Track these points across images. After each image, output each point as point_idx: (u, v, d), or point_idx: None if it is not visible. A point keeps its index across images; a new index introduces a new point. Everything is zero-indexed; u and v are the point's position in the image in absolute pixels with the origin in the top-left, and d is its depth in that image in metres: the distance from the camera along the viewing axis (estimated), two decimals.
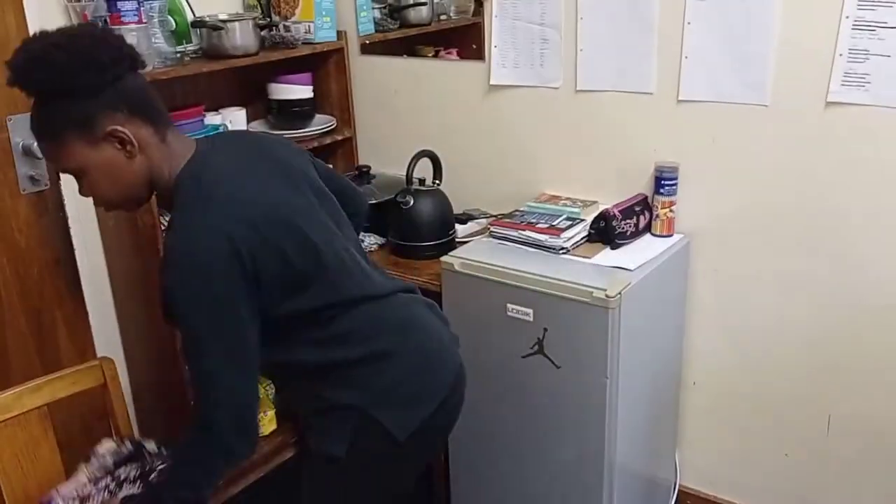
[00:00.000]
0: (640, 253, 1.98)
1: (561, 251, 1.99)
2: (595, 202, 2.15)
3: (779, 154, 1.93)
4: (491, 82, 2.30)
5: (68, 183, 2.08)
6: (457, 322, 2.00)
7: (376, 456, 1.48)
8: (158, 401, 2.27)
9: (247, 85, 2.48)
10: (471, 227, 2.33)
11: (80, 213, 2.14)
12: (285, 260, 1.34)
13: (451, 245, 2.22)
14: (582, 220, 2.08)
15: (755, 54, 1.89)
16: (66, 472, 1.57)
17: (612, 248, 2.00)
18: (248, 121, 2.42)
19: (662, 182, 2.04)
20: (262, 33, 2.32)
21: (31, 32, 1.91)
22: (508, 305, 1.92)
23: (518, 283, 1.90)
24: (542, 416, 1.98)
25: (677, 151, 2.06)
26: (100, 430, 2.20)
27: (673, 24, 1.97)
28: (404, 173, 2.26)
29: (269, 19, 2.41)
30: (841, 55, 1.78)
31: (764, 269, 2.04)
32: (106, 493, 1.45)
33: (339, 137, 2.56)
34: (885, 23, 1.72)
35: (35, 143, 1.93)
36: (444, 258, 2.03)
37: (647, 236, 2.08)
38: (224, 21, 2.18)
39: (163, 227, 2.11)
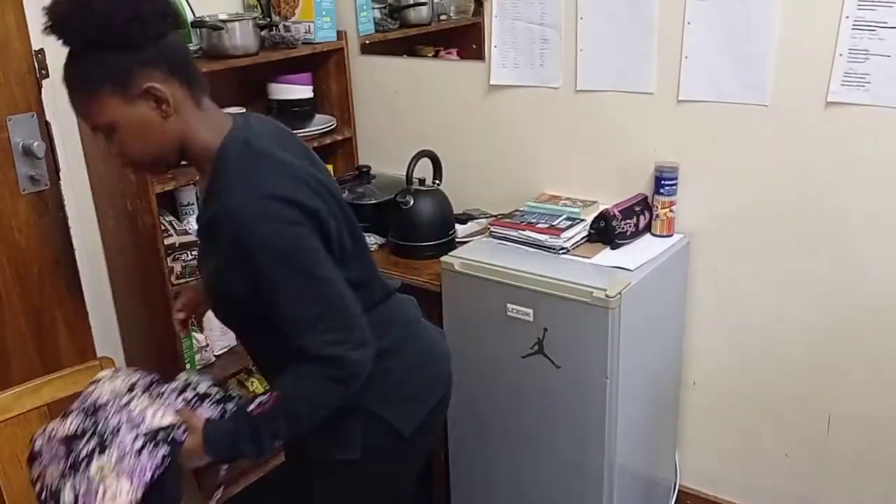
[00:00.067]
0: (640, 253, 1.98)
1: (561, 251, 1.99)
2: (595, 202, 2.14)
3: (779, 154, 1.93)
4: (491, 82, 2.30)
5: (68, 183, 2.09)
6: (457, 322, 2.01)
7: (387, 454, 1.47)
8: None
9: (247, 85, 2.48)
10: (471, 227, 2.33)
11: (80, 213, 2.14)
12: (338, 228, 1.33)
13: (451, 245, 2.22)
14: (582, 220, 2.08)
15: (755, 54, 1.89)
16: None
17: (612, 248, 2.00)
18: None
19: (662, 182, 2.04)
20: (262, 33, 2.33)
21: (31, 32, 1.92)
22: (508, 305, 1.92)
23: (518, 283, 1.90)
24: (542, 417, 1.97)
25: (677, 151, 2.06)
26: None
27: (673, 24, 1.97)
28: (404, 173, 2.26)
29: (269, 19, 2.41)
30: (841, 55, 1.78)
31: (764, 269, 2.04)
32: (187, 404, 1.38)
33: (339, 137, 2.56)
34: (885, 23, 1.72)
35: (35, 143, 1.95)
36: (444, 258, 2.03)
37: (647, 236, 2.08)
38: (224, 21, 2.19)
39: (163, 228, 2.12)
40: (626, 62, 2.07)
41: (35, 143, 1.95)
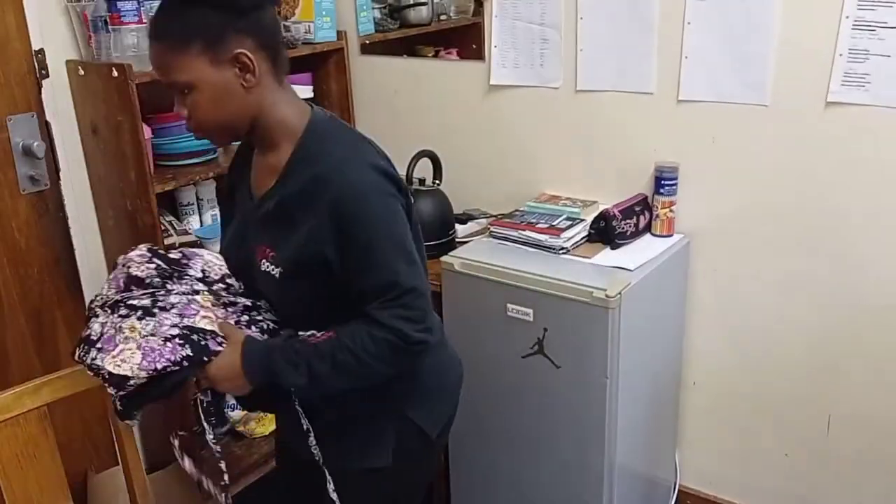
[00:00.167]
0: (640, 253, 1.98)
1: (561, 251, 1.99)
2: (595, 202, 2.14)
3: (779, 154, 1.93)
4: (491, 82, 2.30)
5: (68, 183, 2.09)
6: (457, 322, 2.01)
7: (415, 457, 1.46)
8: (158, 400, 2.26)
9: None
10: (471, 227, 2.33)
11: (80, 213, 2.14)
12: (408, 213, 1.35)
13: (451, 245, 2.22)
14: (582, 220, 2.08)
15: (755, 54, 1.89)
16: (67, 473, 1.56)
17: (612, 248, 2.00)
18: None
19: (662, 182, 2.04)
20: None
21: (31, 32, 1.92)
22: (508, 305, 1.92)
23: (518, 283, 1.90)
24: (542, 417, 1.97)
25: (677, 151, 2.06)
26: (100, 431, 2.21)
27: (673, 24, 1.97)
28: (404, 173, 2.26)
29: None
30: (841, 55, 1.78)
31: (764, 269, 2.04)
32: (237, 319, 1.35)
33: None
34: (885, 23, 1.72)
35: (35, 143, 1.95)
36: (444, 258, 2.03)
37: (647, 236, 2.08)
38: None
39: (163, 228, 2.11)
40: (626, 62, 2.07)
41: (35, 143, 1.95)
